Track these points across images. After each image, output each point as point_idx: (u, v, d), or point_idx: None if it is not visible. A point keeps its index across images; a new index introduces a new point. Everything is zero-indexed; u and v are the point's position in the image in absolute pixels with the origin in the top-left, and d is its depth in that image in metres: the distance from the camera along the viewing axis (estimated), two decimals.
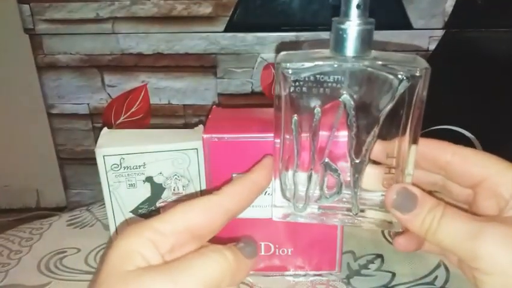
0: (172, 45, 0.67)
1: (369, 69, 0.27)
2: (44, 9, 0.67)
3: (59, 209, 1.12)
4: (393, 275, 0.42)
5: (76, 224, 0.52)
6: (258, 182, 0.31)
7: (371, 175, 0.31)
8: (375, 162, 0.31)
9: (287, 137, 0.31)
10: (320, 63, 0.28)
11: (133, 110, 0.71)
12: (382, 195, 0.31)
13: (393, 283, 0.41)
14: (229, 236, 0.40)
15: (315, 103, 0.29)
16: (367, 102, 0.29)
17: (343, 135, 0.30)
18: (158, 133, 0.45)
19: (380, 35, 0.67)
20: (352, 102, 0.28)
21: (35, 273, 0.44)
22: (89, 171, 0.77)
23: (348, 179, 0.31)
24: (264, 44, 0.65)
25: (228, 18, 0.64)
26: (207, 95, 0.70)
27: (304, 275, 0.42)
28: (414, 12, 0.61)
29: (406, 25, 0.61)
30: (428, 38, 0.62)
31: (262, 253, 0.41)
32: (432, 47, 0.62)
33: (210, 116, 0.41)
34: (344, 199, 0.31)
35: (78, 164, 0.77)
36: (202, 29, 0.66)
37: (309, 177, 0.31)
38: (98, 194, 0.42)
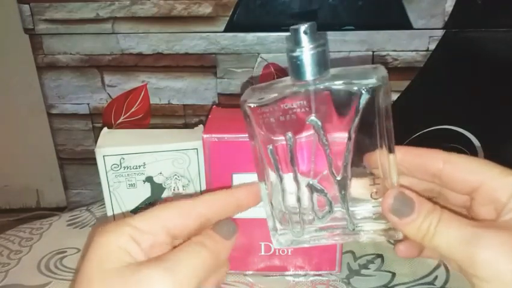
0: (172, 45, 0.67)
1: (329, 88, 0.28)
2: (44, 9, 0.67)
3: (59, 209, 1.12)
4: (393, 275, 0.42)
5: (76, 224, 0.52)
6: (238, 198, 0.32)
7: (358, 188, 0.31)
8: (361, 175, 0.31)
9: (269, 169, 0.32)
10: (277, 94, 0.29)
11: (133, 110, 0.71)
12: (374, 206, 0.31)
13: (393, 283, 0.41)
14: None
15: (286, 130, 0.30)
16: (336, 120, 0.29)
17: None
18: (158, 133, 0.45)
19: (380, 35, 0.68)
20: (319, 123, 0.29)
21: (35, 273, 0.44)
22: (89, 171, 0.77)
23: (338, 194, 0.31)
24: (264, 44, 0.65)
25: (228, 18, 0.64)
26: (207, 95, 0.70)
27: (304, 275, 0.43)
28: (414, 12, 0.60)
29: (406, 25, 0.61)
30: (428, 38, 0.61)
31: (262, 253, 0.42)
32: (432, 47, 0.62)
33: (210, 116, 0.41)
34: (339, 216, 0.32)
35: (78, 164, 0.77)
36: (202, 29, 0.66)
37: (298, 201, 0.32)
38: (98, 194, 0.42)
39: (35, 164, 1.16)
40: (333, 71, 0.29)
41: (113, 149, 0.41)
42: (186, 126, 0.72)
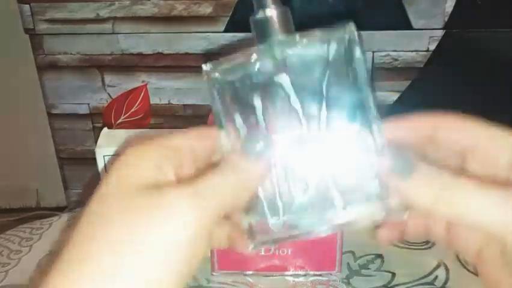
0: (172, 45, 0.67)
1: (297, 44, 0.26)
2: (45, 9, 0.67)
3: (59, 209, 1.12)
4: (393, 275, 0.42)
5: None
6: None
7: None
8: None
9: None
10: (243, 59, 0.27)
11: (133, 110, 0.71)
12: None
13: (393, 283, 0.41)
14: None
15: (252, 94, 0.27)
16: (306, 80, 0.27)
17: None
18: (158, 133, 0.45)
19: (380, 35, 0.68)
20: (288, 81, 0.27)
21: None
22: (89, 172, 0.77)
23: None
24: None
25: (228, 18, 0.64)
26: (207, 95, 0.70)
27: (305, 275, 0.42)
28: (414, 12, 0.60)
29: (406, 25, 0.61)
30: (428, 38, 0.61)
31: (263, 253, 0.41)
32: (432, 47, 0.62)
33: (210, 116, 0.41)
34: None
35: (78, 164, 0.77)
36: (202, 29, 0.66)
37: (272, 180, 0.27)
38: None
39: (35, 164, 1.16)
40: (298, 34, 0.27)
41: (113, 149, 0.41)
42: (186, 126, 0.72)
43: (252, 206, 0.27)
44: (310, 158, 0.27)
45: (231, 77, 0.27)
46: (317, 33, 0.26)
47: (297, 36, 0.26)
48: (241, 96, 0.28)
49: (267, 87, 0.27)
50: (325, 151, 0.27)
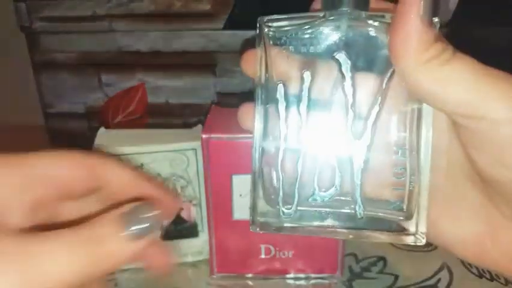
0: (170, 43, 0.67)
1: (368, 25, 0.23)
2: (41, 6, 0.66)
3: None
4: (396, 277, 0.42)
5: None
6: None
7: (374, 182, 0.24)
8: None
9: (270, 109, 0.24)
10: (308, 18, 0.24)
11: (130, 109, 0.70)
12: (391, 208, 0.24)
13: (395, 286, 0.41)
14: (227, 236, 0.40)
15: (303, 67, 0.24)
16: (366, 66, 0.24)
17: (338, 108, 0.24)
18: (156, 133, 0.45)
19: None
20: (349, 62, 0.23)
21: None
22: None
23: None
24: None
25: (227, 15, 0.64)
26: (205, 94, 0.69)
27: (306, 278, 0.42)
28: None
29: None
30: None
31: (263, 256, 0.41)
32: None
33: (208, 116, 0.40)
34: (343, 198, 0.24)
35: None
36: (200, 26, 0.65)
37: (297, 166, 0.24)
38: None
39: None
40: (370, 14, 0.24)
41: (110, 149, 0.41)
42: (185, 126, 0.71)
43: (261, 187, 0.25)
44: (344, 156, 0.24)
45: (285, 38, 0.24)
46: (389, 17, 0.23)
47: (369, 16, 0.23)
48: (291, 63, 0.24)
49: (321, 62, 0.24)
50: (363, 154, 0.24)
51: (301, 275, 0.41)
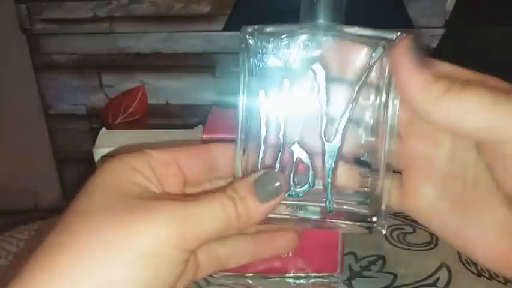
0: (170, 44, 0.67)
1: (342, 35, 0.25)
2: (42, 8, 0.67)
3: (58, 211, 1.12)
4: (395, 276, 0.42)
5: None
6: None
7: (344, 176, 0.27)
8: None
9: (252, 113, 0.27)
10: (285, 32, 0.26)
11: (130, 110, 0.71)
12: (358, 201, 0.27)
13: (395, 285, 0.41)
14: None
15: (283, 74, 0.26)
16: (339, 77, 0.26)
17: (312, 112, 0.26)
18: (156, 134, 0.45)
19: None
20: (324, 72, 0.25)
21: None
22: (87, 172, 0.76)
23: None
24: None
25: (226, 17, 0.64)
26: (205, 95, 0.70)
27: (305, 277, 0.42)
28: (415, 11, 0.60)
29: (407, 24, 0.61)
30: (429, 36, 0.61)
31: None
32: (433, 45, 0.61)
33: (209, 116, 0.41)
34: (316, 193, 0.27)
35: (76, 165, 0.76)
36: (200, 28, 0.65)
37: (277, 163, 0.27)
38: None
39: (32, 166, 1.15)
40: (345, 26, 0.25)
41: (111, 149, 0.41)
42: (185, 126, 0.71)
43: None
44: (318, 156, 0.26)
45: (267, 46, 0.26)
46: (367, 31, 0.25)
47: (346, 28, 0.25)
48: (272, 70, 0.26)
49: (299, 71, 0.26)
50: (334, 155, 0.26)
51: (301, 274, 0.41)
